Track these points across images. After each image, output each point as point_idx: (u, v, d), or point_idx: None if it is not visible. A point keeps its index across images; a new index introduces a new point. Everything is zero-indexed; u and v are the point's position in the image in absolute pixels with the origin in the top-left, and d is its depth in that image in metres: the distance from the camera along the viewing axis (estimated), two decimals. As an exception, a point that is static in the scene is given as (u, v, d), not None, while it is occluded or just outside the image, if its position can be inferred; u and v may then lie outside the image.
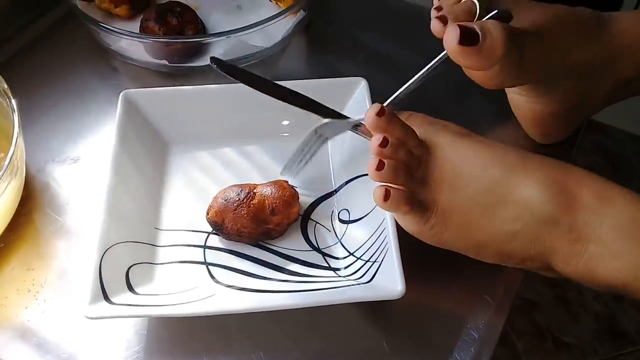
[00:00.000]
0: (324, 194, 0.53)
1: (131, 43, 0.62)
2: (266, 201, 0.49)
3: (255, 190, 0.49)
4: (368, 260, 0.46)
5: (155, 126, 0.56)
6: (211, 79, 0.62)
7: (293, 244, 0.50)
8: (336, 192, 0.53)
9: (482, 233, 0.43)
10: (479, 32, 0.43)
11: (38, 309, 0.47)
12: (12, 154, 0.47)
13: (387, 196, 0.42)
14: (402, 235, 0.45)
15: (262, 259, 0.49)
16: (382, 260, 0.45)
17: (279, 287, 0.46)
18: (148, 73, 0.65)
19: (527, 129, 0.58)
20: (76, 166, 0.57)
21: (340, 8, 0.73)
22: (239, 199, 0.49)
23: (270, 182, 0.51)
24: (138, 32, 0.64)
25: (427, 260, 0.46)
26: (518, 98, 0.55)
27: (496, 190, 0.42)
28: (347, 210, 0.51)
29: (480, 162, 0.43)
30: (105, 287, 0.43)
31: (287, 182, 0.51)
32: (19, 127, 0.49)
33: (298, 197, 0.51)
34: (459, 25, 0.43)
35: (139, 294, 0.45)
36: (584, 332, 1.32)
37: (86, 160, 0.57)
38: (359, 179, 0.52)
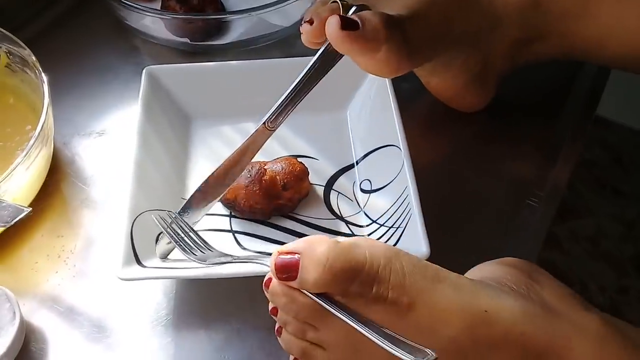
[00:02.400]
0: (345, 165, 0.54)
1: (154, 21, 0.63)
2: (277, 177, 0.50)
3: (265, 167, 0.51)
4: (392, 227, 0.48)
5: (177, 101, 0.57)
6: (231, 56, 0.64)
7: (317, 213, 0.51)
8: (357, 164, 0.54)
9: None
10: (358, 20, 0.43)
11: (68, 273, 0.49)
12: (44, 122, 0.48)
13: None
14: (425, 202, 0.46)
15: (287, 227, 0.50)
16: (405, 226, 0.46)
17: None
18: (168, 51, 0.66)
19: (449, 103, 0.59)
20: (101, 139, 0.58)
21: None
22: (250, 176, 0.50)
23: (278, 158, 0.52)
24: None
25: (449, 228, 0.48)
26: (429, 79, 0.58)
27: None
28: (368, 180, 0.52)
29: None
30: (136, 251, 0.45)
31: (296, 158, 0.52)
32: (49, 97, 0.50)
33: (308, 173, 0.52)
34: (339, 16, 0.43)
35: (168, 259, 0.46)
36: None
37: (110, 134, 0.59)
38: (378, 150, 0.53)
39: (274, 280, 0.36)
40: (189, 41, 0.64)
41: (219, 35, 0.65)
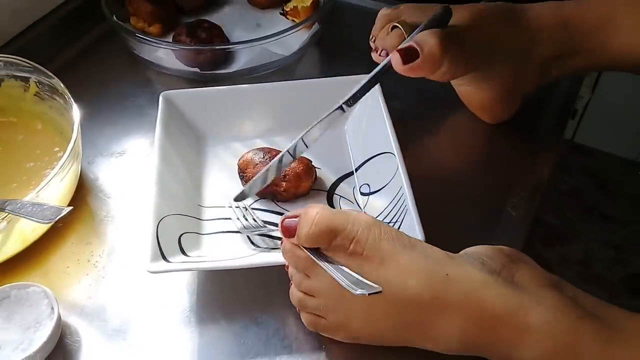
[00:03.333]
0: (345, 173, 0.60)
1: (167, 52, 0.70)
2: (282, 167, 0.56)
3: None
4: (390, 222, 0.53)
5: (191, 121, 0.63)
6: (237, 83, 0.70)
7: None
8: (356, 171, 0.60)
9: (406, 344, 0.46)
10: (416, 47, 0.51)
11: (98, 275, 0.53)
12: (75, 140, 0.54)
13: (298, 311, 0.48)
14: (418, 200, 0.52)
15: (296, 226, 0.55)
16: (402, 221, 0.52)
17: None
18: (179, 80, 0.72)
19: (477, 113, 0.65)
20: (121, 159, 0.64)
21: (349, 23, 0.82)
22: (263, 157, 0.57)
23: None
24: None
25: (441, 222, 0.53)
26: (465, 89, 0.64)
27: (413, 329, 0.44)
28: (367, 184, 0.58)
29: (394, 303, 0.43)
30: (162, 248, 0.50)
31: (310, 160, 0.58)
32: (79, 117, 0.56)
33: (312, 175, 0.58)
34: (397, 50, 0.51)
35: (190, 256, 0.51)
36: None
37: (129, 154, 0.64)
38: (375, 157, 0.59)
39: (284, 241, 0.46)
40: (199, 70, 0.71)
41: (226, 65, 0.72)
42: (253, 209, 0.57)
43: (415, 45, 0.51)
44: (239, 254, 0.53)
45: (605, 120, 1.64)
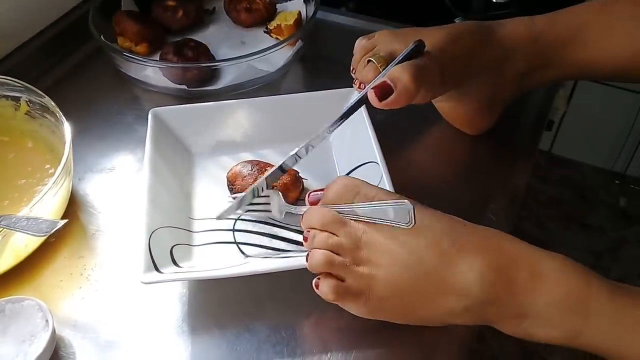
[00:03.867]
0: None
1: (155, 70, 0.72)
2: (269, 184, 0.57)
3: (266, 168, 0.59)
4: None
5: (180, 136, 0.64)
6: (224, 100, 0.72)
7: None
8: (342, 181, 0.62)
9: (422, 313, 0.46)
10: (390, 84, 0.53)
11: (90, 288, 0.54)
12: (67, 156, 0.55)
13: (316, 286, 0.47)
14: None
15: (286, 236, 0.57)
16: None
17: (302, 254, 0.54)
18: (166, 99, 0.74)
19: (458, 126, 0.67)
20: (111, 175, 0.65)
21: (330, 40, 0.84)
22: (251, 169, 0.59)
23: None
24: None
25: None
26: (443, 105, 0.66)
27: (432, 279, 0.44)
28: (353, 194, 0.60)
29: (415, 251, 0.45)
30: (154, 260, 0.51)
31: (297, 172, 0.60)
32: (70, 134, 0.57)
33: (300, 186, 0.59)
34: (373, 88, 0.53)
35: (182, 267, 0.53)
36: (568, 352, 1.38)
37: (119, 170, 0.65)
38: (360, 167, 0.60)
39: (309, 209, 0.50)
40: (186, 87, 0.72)
41: (212, 82, 0.74)
42: (243, 219, 0.58)
43: (389, 82, 0.53)
44: (229, 263, 0.54)
45: (581, 131, 1.69)
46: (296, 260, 0.52)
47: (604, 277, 0.44)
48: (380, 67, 0.56)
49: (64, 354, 0.50)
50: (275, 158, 0.64)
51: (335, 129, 0.56)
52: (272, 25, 0.80)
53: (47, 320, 0.49)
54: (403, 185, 0.56)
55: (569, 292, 0.43)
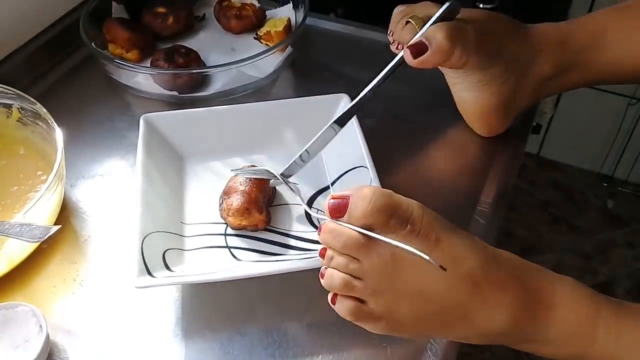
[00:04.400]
0: (321, 187, 0.63)
1: (146, 77, 0.72)
2: (228, 210, 0.57)
3: (230, 200, 0.58)
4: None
5: (171, 142, 0.65)
6: (214, 105, 0.72)
7: (301, 227, 0.59)
8: (332, 185, 0.63)
9: (438, 334, 0.48)
10: (425, 42, 0.55)
11: (83, 293, 0.55)
12: (60, 162, 0.56)
13: (333, 301, 0.45)
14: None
15: (276, 240, 0.58)
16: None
17: (293, 257, 0.55)
18: (157, 105, 0.74)
19: (472, 122, 0.68)
20: (103, 180, 0.65)
21: (319, 46, 0.85)
22: (245, 185, 0.59)
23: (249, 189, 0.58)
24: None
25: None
26: (464, 95, 0.66)
27: (458, 311, 0.44)
28: (343, 198, 0.61)
29: (444, 283, 0.43)
30: (147, 264, 0.51)
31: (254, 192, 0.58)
32: (62, 141, 0.57)
33: (252, 209, 0.57)
34: (408, 47, 0.55)
35: (174, 271, 0.53)
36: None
37: (110, 176, 0.66)
38: (349, 172, 0.61)
39: (327, 222, 0.44)
40: (177, 94, 0.73)
41: (203, 88, 0.74)
42: (231, 247, 0.58)
43: (424, 41, 0.55)
44: (221, 267, 0.55)
45: (569, 134, 1.71)
46: (287, 264, 0.53)
47: (610, 298, 0.45)
48: (417, 27, 0.57)
49: (58, 359, 0.50)
50: (265, 163, 0.65)
51: (376, 91, 0.56)
52: (262, 31, 0.81)
53: (40, 326, 0.50)
54: (392, 189, 0.56)
55: (579, 320, 0.44)
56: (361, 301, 0.44)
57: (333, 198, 0.44)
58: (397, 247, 0.41)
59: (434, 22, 0.56)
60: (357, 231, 0.43)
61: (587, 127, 1.66)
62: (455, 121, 0.70)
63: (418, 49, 0.55)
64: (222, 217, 0.58)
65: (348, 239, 0.43)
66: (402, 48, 0.57)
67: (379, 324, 0.45)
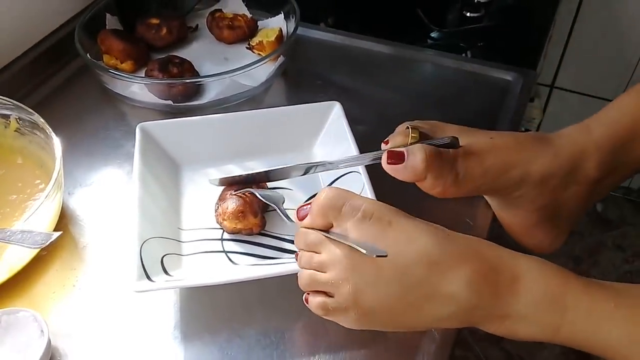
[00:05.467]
0: (315, 192, 0.64)
1: (140, 87, 0.74)
2: (224, 214, 0.59)
3: (224, 207, 0.60)
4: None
5: (167, 150, 0.66)
6: (208, 114, 0.74)
7: (295, 231, 0.60)
8: (326, 190, 0.64)
9: (409, 321, 0.48)
10: (405, 153, 0.53)
11: (84, 298, 0.56)
12: (58, 171, 0.57)
13: (306, 300, 0.50)
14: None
15: (271, 244, 0.59)
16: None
17: (289, 261, 0.56)
18: (152, 114, 0.76)
19: (519, 239, 0.62)
20: (100, 188, 0.66)
21: (311, 56, 0.87)
22: (217, 207, 0.61)
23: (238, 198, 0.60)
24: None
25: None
26: (500, 214, 0.62)
27: (420, 289, 0.46)
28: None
29: (401, 262, 0.45)
30: (146, 269, 0.53)
31: (247, 197, 0.60)
32: (61, 149, 0.59)
33: (248, 212, 0.59)
34: (388, 150, 0.54)
35: (172, 275, 0.54)
36: (551, 356, 1.41)
37: (107, 184, 0.67)
38: (342, 177, 0.63)
39: (298, 229, 0.51)
40: (172, 103, 0.74)
41: (197, 97, 0.76)
42: (228, 252, 0.60)
43: (403, 151, 0.53)
44: (219, 271, 0.56)
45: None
46: (283, 266, 0.54)
47: (578, 275, 0.46)
48: (411, 138, 0.56)
49: (59, 363, 0.51)
50: (259, 169, 0.66)
51: (344, 167, 0.58)
52: (254, 41, 0.83)
53: (42, 331, 0.51)
54: (384, 194, 0.58)
55: (546, 289, 0.45)
56: (330, 297, 0.48)
57: (300, 207, 0.51)
58: (347, 238, 0.47)
59: (429, 144, 0.54)
60: (318, 231, 0.49)
61: (575, 132, 1.68)
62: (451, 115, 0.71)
63: (395, 156, 0.53)
64: (217, 222, 0.60)
65: (309, 236, 0.49)
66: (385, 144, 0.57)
67: (349, 316, 0.48)
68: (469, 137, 0.56)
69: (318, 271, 0.48)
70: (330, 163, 0.57)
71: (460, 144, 0.55)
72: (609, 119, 0.58)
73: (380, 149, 0.56)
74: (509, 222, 0.61)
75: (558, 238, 0.61)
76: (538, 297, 0.45)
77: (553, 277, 0.46)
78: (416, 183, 0.54)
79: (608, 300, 0.44)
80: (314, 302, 0.49)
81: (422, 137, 0.56)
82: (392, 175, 0.54)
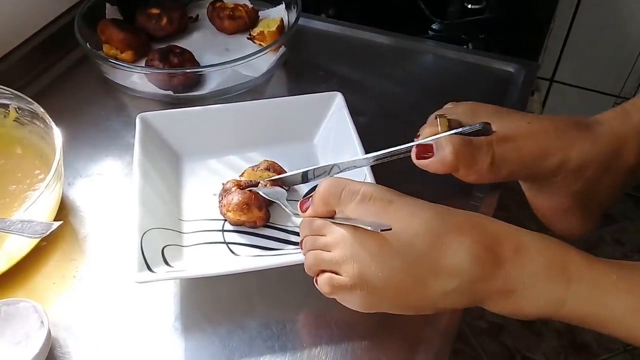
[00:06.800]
0: (316, 184, 0.63)
1: (141, 77, 0.73)
2: (228, 205, 0.59)
3: (228, 197, 0.59)
4: (361, 226, 0.57)
5: (167, 140, 0.66)
6: (209, 104, 0.73)
7: (297, 222, 0.60)
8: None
9: (415, 298, 0.47)
10: (434, 147, 0.54)
11: (83, 289, 0.55)
12: (58, 161, 0.56)
13: (316, 281, 0.49)
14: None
15: (273, 235, 0.59)
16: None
17: (290, 252, 0.56)
18: (152, 104, 0.75)
19: (549, 224, 0.62)
20: (100, 179, 0.66)
21: (312, 47, 0.86)
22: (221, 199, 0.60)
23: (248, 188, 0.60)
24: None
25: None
26: (534, 198, 0.62)
27: (424, 263, 0.45)
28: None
29: (404, 236, 0.45)
30: (147, 260, 0.52)
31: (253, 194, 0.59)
32: (61, 139, 0.58)
33: (253, 205, 0.58)
34: (417, 145, 0.55)
35: (173, 266, 0.54)
36: (549, 349, 1.42)
37: (107, 175, 0.67)
38: (344, 172, 0.62)
39: (303, 217, 0.51)
40: (172, 93, 0.74)
41: (198, 87, 0.75)
42: (229, 243, 0.59)
43: (432, 144, 0.54)
44: (219, 262, 0.56)
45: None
46: (285, 257, 0.54)
47: (579, 249, 0.46)
48: (440, 129, 0.56)
49: (60, 354, 0.51)
50: (259, 159, 0.66)
51: (375, 163, 0.58)
52: (255, 32, 0.82)
53: (42, 322, 0.50)
54: (385, 184, 0.57)
55: (549, 259, 0.45)
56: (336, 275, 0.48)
57: (304, 198, 0.52)
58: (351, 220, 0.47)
59: (457, 133, 0.55)
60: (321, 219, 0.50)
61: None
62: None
63: (424, 150, 0.55)
64: (221, 212, 0.59)
65: (313, 222, 0.50)
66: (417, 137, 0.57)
67: (355, 294, 0.47)
68: (504, 121, 0.56)
69: (323, 251, 0.48)
70: (360, 159, 0.58)
71: (495, 129, 0.55)
72: None
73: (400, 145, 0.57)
74: (541, 206, 0.61)
75: (589, 223, 0.61)
76: (542, 268, 0.45)
77: (555, 249, 0.45)
78: (456, 176, 0.55)
79: (610, 272, 0.44)
80: (321, 279, 0.48)
81: (453, 125, 0.56)
82: (424, 169, 0.55)
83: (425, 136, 0.56)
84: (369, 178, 0.58)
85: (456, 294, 0.46)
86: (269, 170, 0.62)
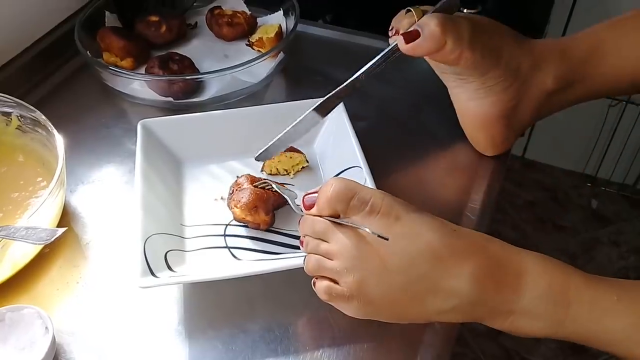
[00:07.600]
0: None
1: (141, 84, 0.74)
2: (238, 202, 0.59)
3: (238, 196, 0.60)
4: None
5: (169, 147, 0.66)
6: (209, 110, 0.74)
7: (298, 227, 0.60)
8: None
9: (413, 313, 0.48)
10: (418, 29, 0.56)
11: (87, 295, 0.56)
12: (61, 168, 0.57)
13: (314, 284, 0.50)
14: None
15: (275, 240, 0.59)
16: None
17: (292, 255, 0.56)
18: (153, 111, 0.76)
19: (475, 136, 0.67)
20: (101, 186, 0.66)
21: (310, 53, 0.87)
22: (231, 193, 0.61)
23: (262, 185, 0.61)
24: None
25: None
26: (465, 105, 0.65)
27: (423, 282, 0.46)
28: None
29: (406, 255, 0.46)
30: (150, 265, 0.53)
31: (267, 189, 0.60)
32: (63, 146, 0.59)
33: (262, 206, 0.59)
34: (402, 34, 0.57)
35: (176, 271, 0.54)
36: (548, 351, 1.42)
37: (108, 181, 0.67)
38: (344, 172, 0.63)
39: (303, 218, 0.51)
40: (172, 100, 0.74)
41: (198, 93, 0.76)
42: (231, 247, 0.60)
43: (417, 28, 0.56)
44: (222, 267, 0.56)
45: (552, 136, 1.74)
46: (287, 261, 0.54)
47: (580, 270, 0.47)
48: (416, 17, 0.58)
49: (64, 359, 0.51)
50: (259, 164, 0.67)
51: (370, 74, 0.59)
52: (254, 38, 0.83)
53: (46, 327, 0.51)
54: (386, 188, 0.58)
55: (550, 284, 0.45)
56: (335, 283, 0.48)
57: (306, 194, 0.50)
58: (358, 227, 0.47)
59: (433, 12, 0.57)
60: (325, 218, 0.49)
61: (570, 128, 1.69)
62: (445, 123, 0.72)
63: (411, 36, 0.56)
64: (228, 206, 0.60)
65: (317, 224, 0.49)
66: (396, 34, 0.58)
67: (352, 304, 0.48)
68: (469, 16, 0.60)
69: (325, 258, 0.49)
70: (358, 76, 0.60)
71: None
72: (577, 36, 0.63)
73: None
74: (473, 112, 0.65)
75: (510, 138, 0.66)
76: (543, 292, 0.45)
77: (556, 272, 0.46)
78: (437, 58, 0.57)
79: (610, 293, 0.45)
80: (320, 285, 0.49)
81: (424, 12, 0.58)
82: (415, 55, 0.56)
83: (404, 26, 0.58)
84: (369, 182, 0.59)
85: (453, 313, 0.47)
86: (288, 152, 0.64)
